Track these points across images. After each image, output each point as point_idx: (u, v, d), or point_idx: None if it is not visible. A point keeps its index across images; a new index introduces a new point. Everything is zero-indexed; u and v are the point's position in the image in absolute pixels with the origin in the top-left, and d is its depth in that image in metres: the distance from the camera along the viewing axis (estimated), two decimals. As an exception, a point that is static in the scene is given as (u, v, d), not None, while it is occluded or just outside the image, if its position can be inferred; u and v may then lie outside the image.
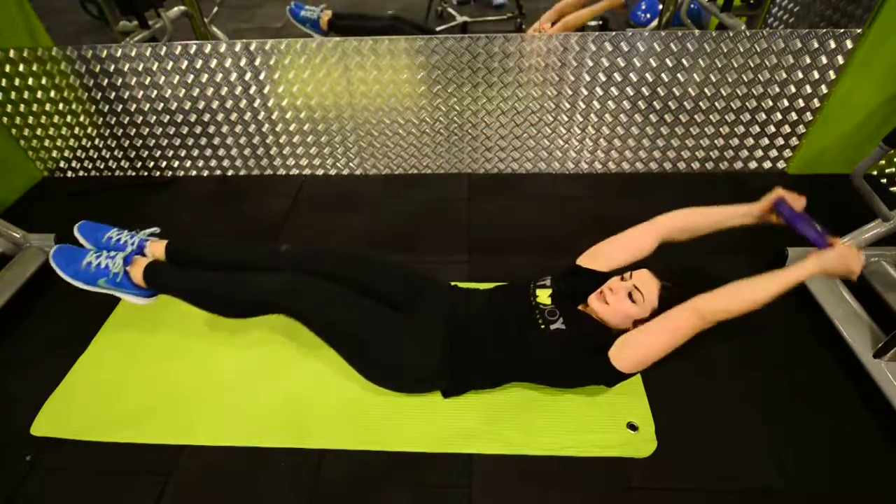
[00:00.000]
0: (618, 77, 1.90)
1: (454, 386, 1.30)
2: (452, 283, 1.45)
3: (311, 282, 1.26)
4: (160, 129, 2.15)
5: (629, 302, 1.19)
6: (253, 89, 2.01)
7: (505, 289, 1.40)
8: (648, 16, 3.35)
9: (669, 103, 1.96)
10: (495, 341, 1.24)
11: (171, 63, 1.95)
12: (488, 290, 1.41)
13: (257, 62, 1.94)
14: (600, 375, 1.22)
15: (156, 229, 1.42)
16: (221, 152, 2.21)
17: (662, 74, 1.88)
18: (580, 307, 1.29)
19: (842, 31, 1.74)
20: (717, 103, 1.95)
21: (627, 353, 1.15)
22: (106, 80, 2.01)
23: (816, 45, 1.77)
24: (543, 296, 1.28)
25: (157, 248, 1.38)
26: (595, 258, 1.35)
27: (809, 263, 1.11)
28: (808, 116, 1.96)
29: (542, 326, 1.21)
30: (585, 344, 1.20)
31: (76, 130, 2.17)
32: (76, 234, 1.38)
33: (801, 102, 1.92)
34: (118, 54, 1.93)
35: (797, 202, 1.23)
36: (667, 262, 1.28)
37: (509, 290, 1.38)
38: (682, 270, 1.25)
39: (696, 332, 1.12)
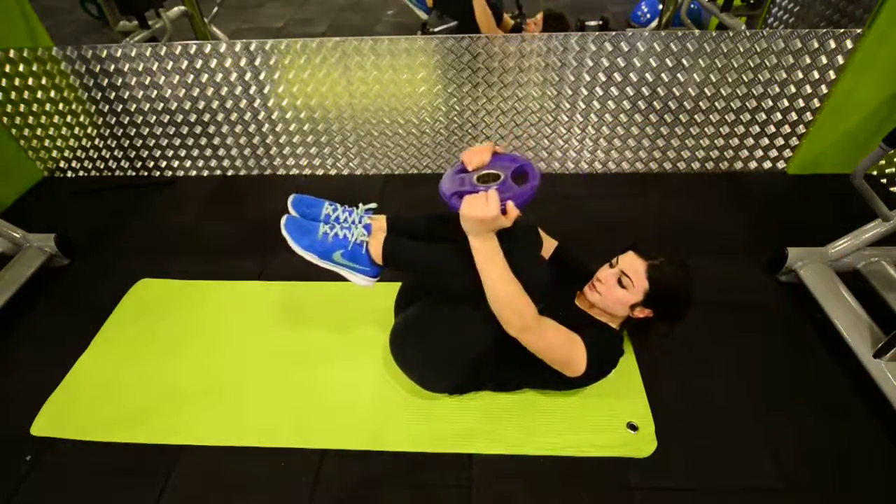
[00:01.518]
0: (618, 77, 1.90)
1: (464, 384, 1.30)
2: None
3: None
4: (160, 129, 2.15)
5: (620, 288, 1.18)
6: (253, 89, 2.01)
7: None
8: (648, 16, 3.35)
9: (669, 103, 1.96)
10: (500, 345, 1.23)
11: (171, 63, 1.95)
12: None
13: (257, 62, 1.94)
14: (576, 379, 1.19)
15: (373, 205, 1.28)
16: (221, 152, 2.21)
17: (662, 74, 1.88)
18: (576, 300, 1.29)
19: (842, 31, 1.74)
20: (717, 103, 1.95)
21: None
22: (106, 80, 2.01)
23: (816, 45, 1.77)
24: None
25: (378, 223, 1.27)
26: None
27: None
28: (808, 116, 1.96)
29: None
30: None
31: (76, 130, 2.17)
32: (290, 208, 1.24)
33: (801, 102, 1.92)
34: (118, 54, 1.93)
35: (475, 156, 1.09)
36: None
37: None
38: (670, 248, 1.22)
39: (535, 338, 1.07)
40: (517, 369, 1.26)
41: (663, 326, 1.22)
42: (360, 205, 1.26)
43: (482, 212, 0.95)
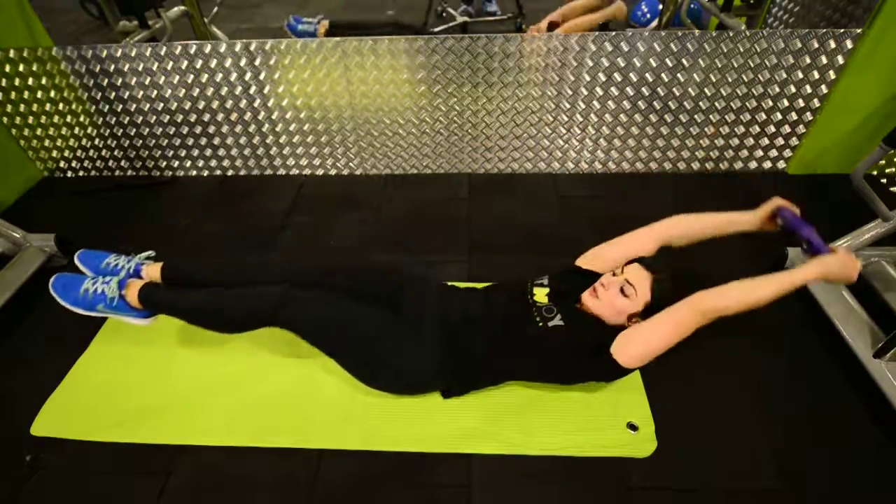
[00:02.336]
0: (618, 77, 1.90)
1: (454, 386, 1.30)
2: (449, 283, 1.45)
3: (304, 292, 1.27)
4: (160, 129, 2.15)
5: (621, 296, 1.19)
6: (253, 89, 2.01)
7: (502, 287, 1.40)
8: (648, 16, 3.35)
9: (669, 103, 1.96)
10: (493, 339, 1.24)
11: (171, 63, 1.95)
12: (485, 288, 1.41)
13: (257, 62, 1.94)
14: (599, 371, 1.23)
15: (151, 253, 1.45)
16: (221, 152, 2.21)
17: (662, 74, 1.89)
18: (578, 306, 1.29)
19: (842, 31, 1.74)
20: (717, 103, 1.95)
21: (630, 348, 1.16)
22: (106, 80, 2.01)
23: (816, 45, 1.77)
24: (541, 294, 1.28)
25: (152, 271, 1.40)
26: (594, 260, 1.36)
27: (812, 267, 1.14)
28: (808, 116, 1.96)
29: (540, 324, 1.21)
30: (583, 340, 1.20)
31: (76, 130, 2.17)
32: (76, 262, 1.41)
33: (801, 102, 1.92)
34: (118, 54, 1.93)
35: (794, 209, 1.25)
36: (664, 258, 1.28)
37: (506, 288, 1.38)
38: (674, 262, 1.26)
39: (696, 328, 1.13)
40: (493, 360, 1.28)
41: None
42: (137, 254, 1.45)
43: (854, 273, 1.13)
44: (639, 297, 1.19)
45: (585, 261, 1.38)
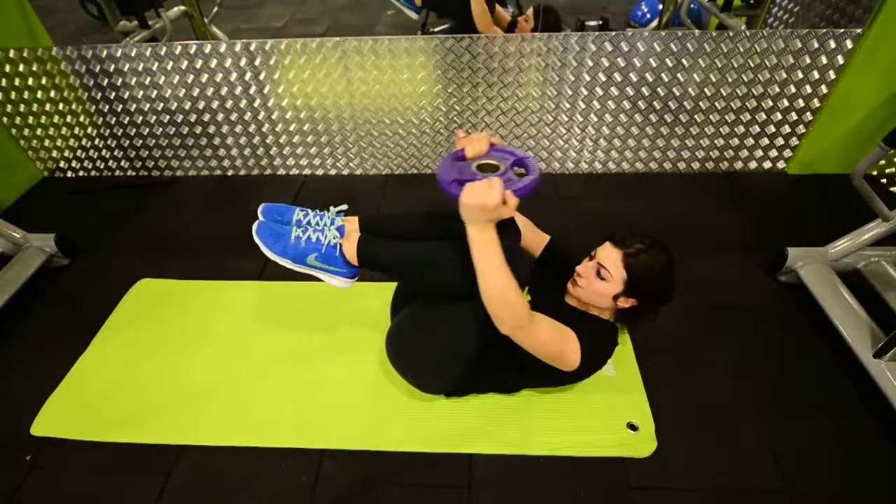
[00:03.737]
0: (618, 77, 1.90)
1: (462, 388, 1.30)
2: None
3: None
4: (160, 129, 2.15)
5: (599, 280, 1.17)
6: (253, 89, 2.01)
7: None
8: (649, 16, 3.35)
9: (669, 103, 1.96)
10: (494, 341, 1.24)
11: (171, 63, 1.95)
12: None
13: (257, 62, 1.94)
14: (572, 374, 1.19)
15: (344, 206, 1.26)
16: (221, 152, 2.21)
17: (662, 74, 1.88)
18: (566, 298, 1.29)
19: (842, 31, 1.74)
20: (717, 103, 1.95)
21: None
22: (106, 80, 2.01)
23: (816, 45, 1.77)
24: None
25: (351, 224, 1.23)
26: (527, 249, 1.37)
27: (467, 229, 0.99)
28: (808, 116, 1.96)
29: None
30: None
31: (76, 130, 2.17)
32: (260, 216, 1.22)
33: (801, 102, 1.92)
34: (118, 54, 1.93)
35: (474, 146, 1.07)
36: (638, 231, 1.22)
37: None
38: (652, 233, 1.20)
39: (527, 335, 1.05)
40: (513, 370, 1.26)
41: (651, 311, 1.22)
42: (332, 207, 1.24)
43: (485, 199, 0.92)
44: (615, 277, 1.15)
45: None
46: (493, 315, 1.03)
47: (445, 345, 1.19)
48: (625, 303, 1.18)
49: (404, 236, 1.20)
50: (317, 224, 1.20)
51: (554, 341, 1.10)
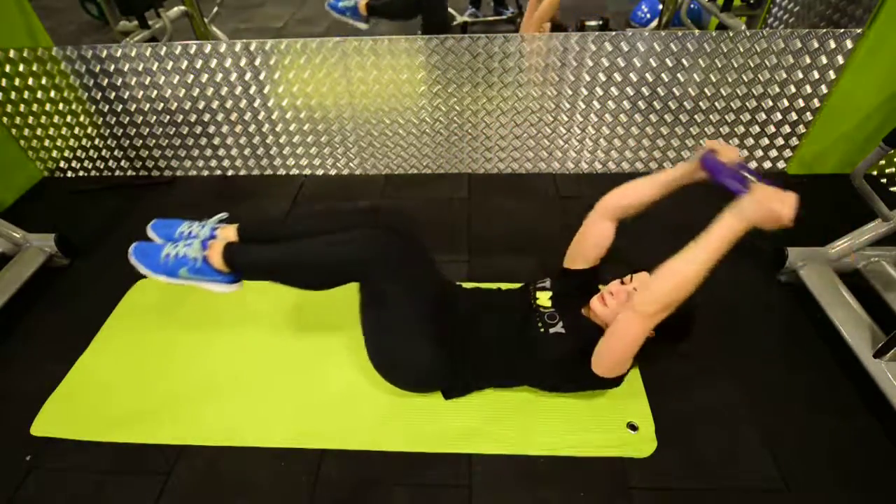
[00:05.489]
0: (618, 77, 1.90)
1: (456, 386, 1.30)
2: (456, 283, 1.45)
3: (393, 241, 1.21)
4: (160, 129, 2.15)
5: None
6: (253, 89, 2.01)
7: (504, 290, 1.40)
8: (648, 16, 3.35)
9: (669, 103, 1.96)
10: (496, 343, 1.24)
11: (171, 63, 1.95)
12: (487, 290, 1.41)
13: (257, 62, 1.94)
14: (589, 382, 1.22)
15: (224, 214, 1.36)
16: (221, 152, 2.21)
17: (662, 74, 1.88)
18: (583, 310, 1.29)
19: (842, 31, 1.74)
20: (717, 103, 1.95)
21: (602, 360, 1.15)
22: (106, 80, 2.01)
23: (816, 45, 1.77)
24: (544, 298, 1.28)
25: (228, 233, 1.32)
26: (574, 259, 1.37)
27: (728, 217, 0.98)
28: (808, 116, 1.96)
29: (542, 330, 1.21)
30: (584, 350, 1.18)
31: (76, 130, 2.17)
32: (149, 232, 1.33)
33: (801, 102, 1.92)
34: (118, 54, 1.93)
35: (729, 153, 1.09)
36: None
37: (509, 291, 1.38)
38: None
39: (647, 329, 1.06)
40: (492, 362, 1.27)
41: (665, 347, 1.22)
42: (211, 219, 1.34)
43: (784, 208, 0.92)
44: None
45: (568, 262, 1.39)
46: (670, 303, 1.00)
47: (397, 336, 1.23)
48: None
49: (289, 238, 1.25)
50: (189, 237, 1.29)
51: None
